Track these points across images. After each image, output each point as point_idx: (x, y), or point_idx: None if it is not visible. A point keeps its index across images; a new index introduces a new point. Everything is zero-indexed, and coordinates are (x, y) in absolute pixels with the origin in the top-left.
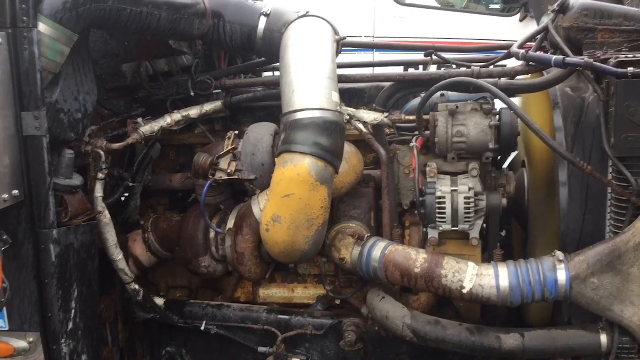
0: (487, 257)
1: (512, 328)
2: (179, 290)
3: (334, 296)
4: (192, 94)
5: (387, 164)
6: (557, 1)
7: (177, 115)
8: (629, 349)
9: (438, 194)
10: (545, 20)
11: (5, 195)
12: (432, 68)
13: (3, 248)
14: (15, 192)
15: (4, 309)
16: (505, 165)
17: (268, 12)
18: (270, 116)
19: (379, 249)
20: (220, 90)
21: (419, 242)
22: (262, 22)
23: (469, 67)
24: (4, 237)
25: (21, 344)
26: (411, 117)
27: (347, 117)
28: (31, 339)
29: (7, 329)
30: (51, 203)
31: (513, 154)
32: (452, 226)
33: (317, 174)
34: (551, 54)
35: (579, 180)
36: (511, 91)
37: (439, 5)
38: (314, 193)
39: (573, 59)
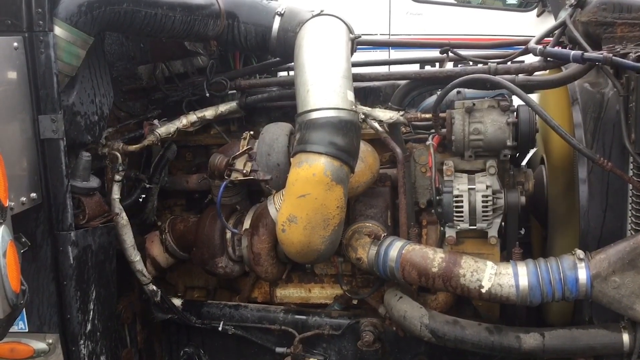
0: (506, 256)
1: (532, 327)
2: (196, 291)
3: (351, 296)
4: (207, 95)
5: (403, 162)
6: None
7: (192, 117)
8: None
9: (455, 192)
10: (563, 15)
11: (24, 198)
12: (449, 65)
13: (22, 250)
14: (33, 195)
15: (24, 310)
16: (523, 162)
17: (282, 12)
18: (286, 116)
19: (396, 248)
20: (235, 91)
21: (436, 241)
22: (276, 22)
23: (485, 63)
24: (23, 239)
25: (41, 345)
26: (427, 115)
27: (363, 116)
28: (50, 341)
29: (26, 330)
30: (69, 205)
31: (532, 151)
32: (470, 225)
33: (332, 173)
34: (569, 49)
35: (599, 177)
36: (529, 88)
37: (456, 2)
38: (330, 193)
39: (592, 54)
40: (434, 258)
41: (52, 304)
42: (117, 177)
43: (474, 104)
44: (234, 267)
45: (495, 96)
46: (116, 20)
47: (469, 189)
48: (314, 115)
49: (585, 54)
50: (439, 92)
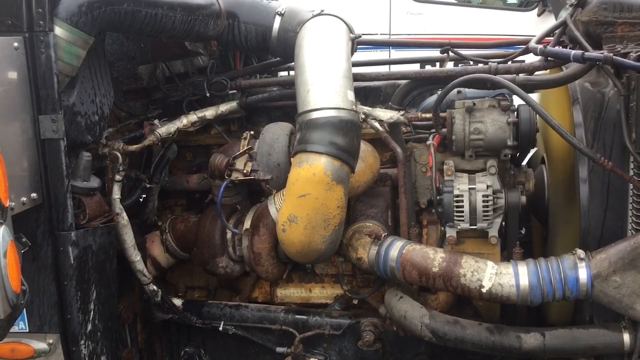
0: (506, 255)
1: (533, 327)
2: (197, 291)
3: (351, 296)
4: (208, 95)
5: (403, 162)
6: None
7: (193, 117)
8: None
9: (456, 192)
10: (564, 14)
11: (24, 199)
12: (449, 65)
13: (22, 251)
14: (33, 195)
15: (24, 310)
16: (524, 162)
17: (283, 12)
18: (286, 116)
19: (396, 248)
20: (235, 91)
21: (436, 241)
22: (277, 22)
23: (486, 63)
24: (23, 239)
25: (41, 345)
26: (428, 115)
27: (363, 116)
28: (51, 341)
29: (27, 330)
30: (69, 206)
31: (532, 151)
32: (471, 225)
33: (333, 173)
34: (570, 48)
35: (599, 177)
36: (529, 87)
37: (456, 1)
38: (330, 193)
39: (592, 53)
40: (435, 258)
41: (53, 304)
42: (118, 177)
43: (474, 104)
44: (235, 267)
45: (495, 96)
46: (116, 20)
47: (470, 188)
48: (315, 115)
49: (585, 53)
50: (439, 92)
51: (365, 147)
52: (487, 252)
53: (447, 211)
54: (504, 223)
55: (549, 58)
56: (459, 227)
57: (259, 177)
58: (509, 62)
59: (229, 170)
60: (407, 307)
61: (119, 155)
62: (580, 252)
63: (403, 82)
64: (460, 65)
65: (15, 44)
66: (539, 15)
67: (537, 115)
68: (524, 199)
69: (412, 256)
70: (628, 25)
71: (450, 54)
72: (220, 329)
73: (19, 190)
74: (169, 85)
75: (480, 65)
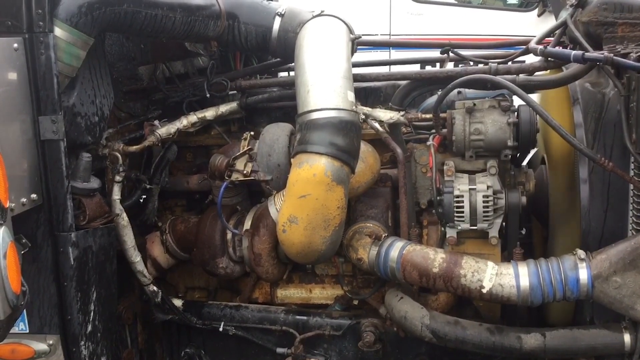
0: (507, 256)
1: (533, 328)
2: (197, 292)
3: (352, 297)
4: (208, 95)
5: (404, 163)
6: None
7: (193, 117)
8: None
9: (456, 192)
10: (564, 15)
11: (24, 199)
12: (449, 65)
13: (22, 251)
14: (33, 196)
15: (24, 311)
16: (524, 162)
17: (283, 13)
18: (286, 116)
19: (396, 249)
20: (236, 92)
21: (437, 241)
22: (277, 23)
23: (486, 64)
24: (23, 240)
25: (41, 346)
26: (428, 116)
27: (363, 117)
28: (51, 342)
29: (27, 331)
30: (69, 206)
31: (532, 152)
32: (471, 225)
33: (333, 174)
34: (570, 49)
35: (600, 177)
36: (530, 88)
37: (456, 2)
38: (331, 193)
39: (593, 54)
40: (435, 258)
41: (53, 305)
42: (118, 178)
43: (474, 104)
44: (235, 267)
45: (495, 96)
46: (116, 21)
47: (470, 189)
48: (315, 115)
49: (586, 54)
50: (439, 92)
51: (365, 148)
52: (488, 253)
53: (448, 212)
54: (504, 223)
55: (549, 58)
56: (459, 227)
57: (259, 178)
58: (509, 63)
59: (229, 171)
60: (408, 307)
61: (119, 156)
62: (581, 253)
63: (403, 82)
64: (460, 65)
65: (15, 45)
66: (539, 15)
67: (538, 116)
68: (524, 199)
69: (412, 257)
70: (628, 25)
71: (451, 54)
72: (221, 329)
73: (18, 191)
74: (169, 86)
75: (481, 65)
